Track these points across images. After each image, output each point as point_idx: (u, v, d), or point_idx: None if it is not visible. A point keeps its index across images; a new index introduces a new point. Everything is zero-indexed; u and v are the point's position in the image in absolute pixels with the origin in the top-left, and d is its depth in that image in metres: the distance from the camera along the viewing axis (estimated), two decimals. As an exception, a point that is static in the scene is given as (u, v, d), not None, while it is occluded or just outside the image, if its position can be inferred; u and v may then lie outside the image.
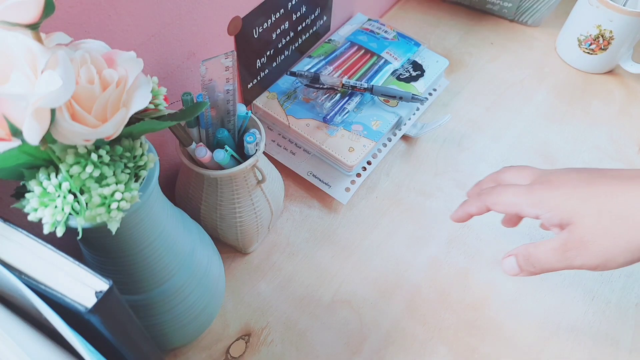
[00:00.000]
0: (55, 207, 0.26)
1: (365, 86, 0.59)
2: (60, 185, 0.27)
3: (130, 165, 0.30)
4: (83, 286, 0.24)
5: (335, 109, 0.58)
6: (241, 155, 0.44)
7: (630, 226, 0.31)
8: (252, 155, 0.43)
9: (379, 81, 0.62)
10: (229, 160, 0.42)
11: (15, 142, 0.24)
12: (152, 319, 0.40)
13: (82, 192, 0.27)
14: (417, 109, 0.65)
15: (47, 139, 0.25)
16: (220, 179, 0.43)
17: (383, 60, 0.64)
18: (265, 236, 0.54)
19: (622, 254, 0.32)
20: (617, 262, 0.32)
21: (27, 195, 0.27)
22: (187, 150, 0.42)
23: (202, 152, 0.41)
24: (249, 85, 0.59)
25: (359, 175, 0.58)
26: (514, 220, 0.44)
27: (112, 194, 0.27)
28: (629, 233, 0.32)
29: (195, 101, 0.41)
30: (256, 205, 0.47)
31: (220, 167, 0.43)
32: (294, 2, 0.57)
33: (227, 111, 0.43)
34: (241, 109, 0.44)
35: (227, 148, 0.42)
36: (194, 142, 0.41)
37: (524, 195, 0.36)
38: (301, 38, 0.64)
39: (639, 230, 0.31)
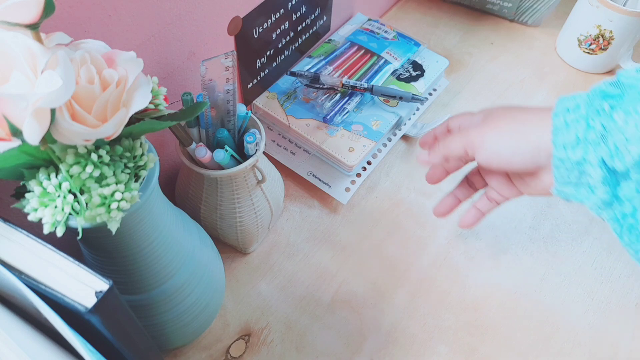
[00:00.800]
0: (55, 207, 0.26)
1: (365, 86, 0.59)
2: (60, 185, 0.27)
3: (130, 165, 0.30)
4: (83, 286, 0.24)
5: (335, 109, 0.58)
6: (241, 155, 0.44)
7: (520, 138, 0.36)
8: (252, 155, 0.43)
9: (379, 81, 0.62)
10: (229, 160, 0.42)
11: (15, 142, 0.24)
12: (152, 319, 0.40)
13: (82, 192, 0.27)
14: (417, 109, 0.65)
15: (47, 139, 0.25)
16: (220, 179, 0.43)
17: (383, 60, 0.64)
18: (265, 236, 0.54)
19: (509, 152, 0.36)
20: (502, 157, 0.37)
21: (27, 195, 0.27)
22: (187, 150, 0.42)
23: (202, 152, 0.41)
24: (249, 85, 0.59)
25: (359, 175, 0.58)
26: (438, 174, 0.46)
27: (112, 194, 0.27)
28: (515, 138, 0.36)
29: (195, 101, 0.41)
30: (256, 205, 0.47)
31: (221, 167, 0.43)
32: (294, 2, 0.57)
33: (227, 111, 0.43)
34: (241, 109, 0.44)
35: (227, 148, 0.42)
36: (194, 142, 0.41)
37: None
38: (301, 38, 0.64)
39: (525, 140, 0.35)
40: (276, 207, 0.50)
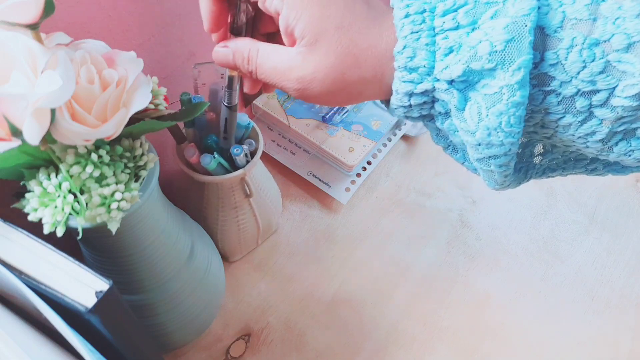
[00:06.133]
0: (55, 207, 0.26)
1: None
2: (60, 185, 0.27)
3: (130, 165, 0.30)
4: (83, 286, 0.24)
5: (334, 108, 0.58)
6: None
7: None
8: (242, 168, 0.41)
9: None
10: (215, 167, 0.41)
11: (16, 142, 0.24)
12: (152, 319, 0.40)
13: (82, 192, 0.27)
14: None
15: (47, 139, 0.25)
16: (208, 184, 0.42)
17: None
18: (252, 249, 0.53)
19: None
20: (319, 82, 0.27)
21: (27, 195, 0.27)
22: (182, 150, 0.41)
23: (191, 152, 0.40)
24: (249, 85, 0.58)
25: (359, 175, 0.58)
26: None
27: (112, 194, 0.27)
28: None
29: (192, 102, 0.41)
30: (240, 219, 0.46)
31: (209, 173, 0.42)
32: (293, 2, 0.57)
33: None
34: (243, 118, 0.43)
35: (216, 155, 0.41)
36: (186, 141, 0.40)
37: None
38: (301, 38, 0.63)
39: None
40: (266, 224, 0.49)
